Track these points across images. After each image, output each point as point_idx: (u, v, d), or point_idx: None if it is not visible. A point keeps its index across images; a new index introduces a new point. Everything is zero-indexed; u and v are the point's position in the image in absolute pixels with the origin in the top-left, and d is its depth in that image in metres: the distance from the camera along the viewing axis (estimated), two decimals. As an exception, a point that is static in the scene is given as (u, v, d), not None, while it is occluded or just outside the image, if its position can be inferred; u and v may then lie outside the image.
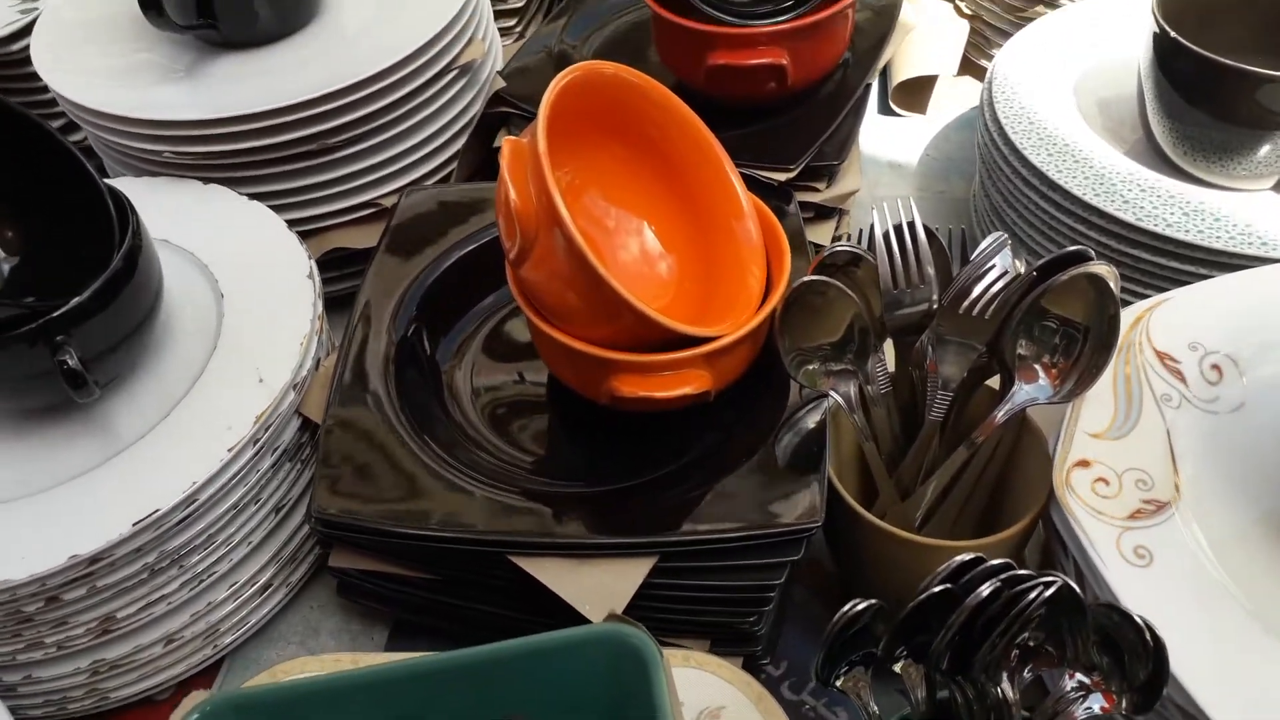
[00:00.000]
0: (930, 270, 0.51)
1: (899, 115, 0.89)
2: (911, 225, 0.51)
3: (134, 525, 0.46)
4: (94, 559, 0.46)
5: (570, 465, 0.52)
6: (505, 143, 0.45)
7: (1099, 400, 0.49)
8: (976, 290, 0.49)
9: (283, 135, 0.63)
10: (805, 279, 0.48)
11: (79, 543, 0.45)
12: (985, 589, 0.35)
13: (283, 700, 0.36)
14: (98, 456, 0.50)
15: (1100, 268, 0.47)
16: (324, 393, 0.53)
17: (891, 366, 0.53)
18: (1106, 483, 0.46)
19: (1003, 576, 0.36)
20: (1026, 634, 0.36)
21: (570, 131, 0.49)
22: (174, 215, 0.61)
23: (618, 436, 0.53)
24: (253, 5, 0.67)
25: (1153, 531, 0.44)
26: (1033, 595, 0.35)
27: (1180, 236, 0.58)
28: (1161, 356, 0.51)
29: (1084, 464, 0.46)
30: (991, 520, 0.53)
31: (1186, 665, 0.39)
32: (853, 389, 0.51)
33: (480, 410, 0.54)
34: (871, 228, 0.51)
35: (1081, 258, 0.48)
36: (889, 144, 0.86)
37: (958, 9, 0.91)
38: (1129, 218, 0.59)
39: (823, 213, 0.66)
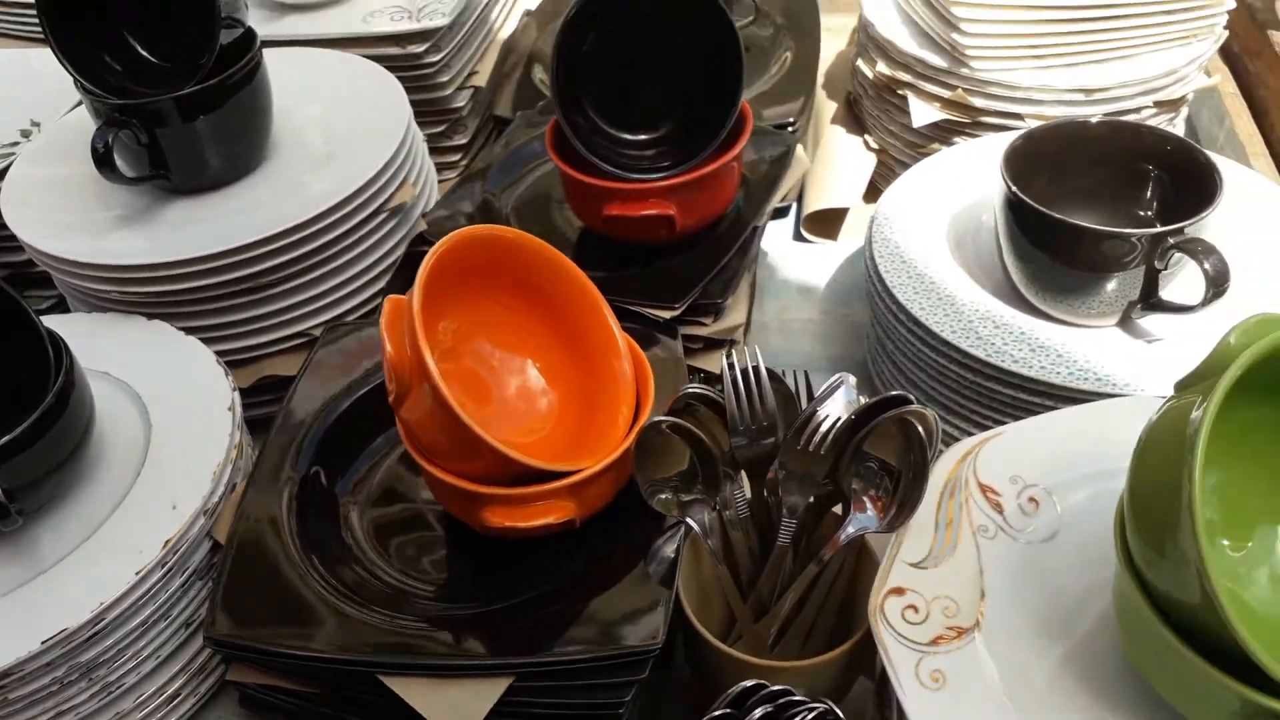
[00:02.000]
0: (773, 408, 0.56)
1: (811, 242, 0.95)
2: (757, 369, 0.56)
3: (43, 643, 0.51)
4: (4, 673, 0.51)
5: (450, 588, 0.57)
6: (386, 301, 0.52)
7: (920, 530, 0.54)
8: (813, 429, 0.55)
9: (221, 276, 0.70)
10: (649, 420, 0.53)
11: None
12: (757, 713, 0.40)
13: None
14: (21, 577, 0.55)
15: (914, 412, 0.52)
16: (232, 518, 0.59)
17: (749, 494, 0.58)
18: (916, 610, 0.50)
19: (778, 702, 0.41)
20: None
21: (457, 285, 0.55)
22: (116, 349, 0.68)
23: (497, 562, 0.58)
24: (203, 156, 0.74)
25: (951, 657, 0.48)
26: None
27: (1024, 371, 0.64)
28: (984, 489, 0.56)
29: (898, 591, 0.51)
30: (842, 640, 0.57)
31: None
32: (707, 516, 0.56)
33: (372, 539, 0.60)
34: (722, 371, 0.57)
35: (901, 402, 0.53)
36: (801, 269, 0.92)
37: (866, 144, 0.98)
38: (980, 353, 0.65)
39: (712, 344, 0.72)
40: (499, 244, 0.56)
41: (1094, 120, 0.70)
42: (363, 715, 0.55)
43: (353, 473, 0.63)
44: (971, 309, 0.68)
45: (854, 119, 1.02)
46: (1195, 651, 0.41)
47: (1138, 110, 0.87)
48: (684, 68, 0.70)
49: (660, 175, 0.69)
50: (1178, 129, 0.94)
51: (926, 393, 0.71)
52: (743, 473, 0.58)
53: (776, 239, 0.96)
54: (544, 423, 0.59)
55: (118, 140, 0.70)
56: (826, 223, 0.95)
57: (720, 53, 0.68)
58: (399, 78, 0.88)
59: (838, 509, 0.57)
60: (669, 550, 0.57)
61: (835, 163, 0.97)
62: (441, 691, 0.51)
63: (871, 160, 0.97)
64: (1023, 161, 0.67)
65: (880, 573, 0.52)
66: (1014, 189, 0.65)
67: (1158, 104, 0.87)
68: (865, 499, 0.55)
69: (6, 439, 0.54)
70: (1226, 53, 1.10)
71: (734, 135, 0.71)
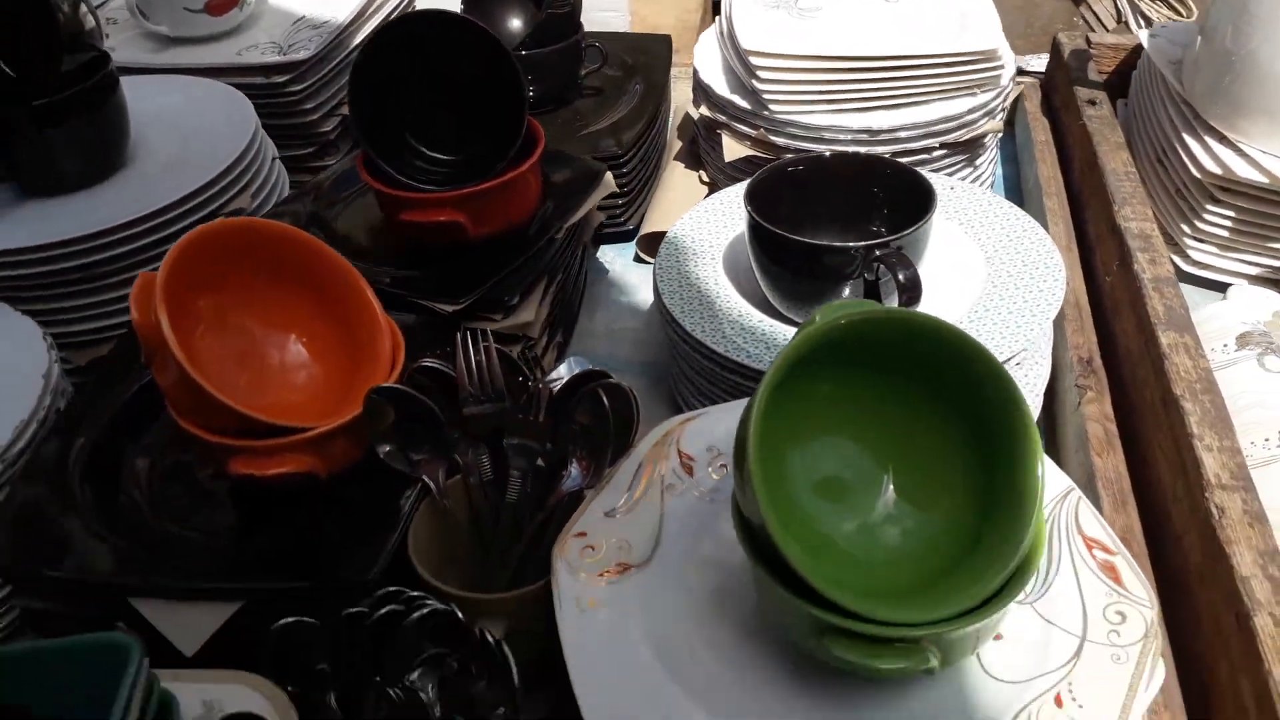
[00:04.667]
0: (499, 380, 0.64)
1: (646, 262, 1.03)
2: (488, 347, 0.64)
3: None
4: None
5: (200, 528, 0.64)
6: (139, 276, 0.60)
7: (618, 486, 0.61)
8: (530, 398, 0.63)
9: (61, 264, 0.78)
10: (373, 387, 0.61)
11: None
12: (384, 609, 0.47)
13: None
14: None
15: (608, 385, 0.60)
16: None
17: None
18: (594, 549, 0.58)
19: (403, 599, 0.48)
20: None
21: (221, 268, 0.63)
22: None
23: (248, 508, 0.65)
24: (51, 163, 0.83)
25: (611, 588, 0.56)
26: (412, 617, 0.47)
27: (753, 365, 0.72)
28: (682, 455, 0.63)
29: (582, 535, 0.58)
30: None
31: (588, 686, 0.50)
32: (441, 475, 0.63)
33: (144, 487, 0.67)
34: (454, 345, 0.64)
35: (600, 375, 0.61)
36: (633, 286, 1.01)
37: (700, 178, 1.08)
38: (720, 349, 0.73)
39: (503, 339, 0.79)
40: (259, 233, 0.65)
41: (828, 154, 0.79)
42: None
43: (143, 431, 0.70)
44: (725, 315, 0.76)
45: (694, 156, 1.11)
46: (776, 579, 0.48)
47: (927, 151, 0.96)
48: (474, 95, 0.79)
49: (451, 187, 0.78)
50: (984, 172, 1.04)
51: (697, 386, 0.78)
52: (484, 444, 0.65)
53: (617, 259, 1.05)
54: (305, 392, 0.67)
55: (-31, 142, 0.79)
56: (657, 245, 1.03)
57: (504, 83, 0.77)
58: (269, 105, 0.97)
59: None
60: (404, 504, 0.64)
61: (671, 193, 1.06)
62: (177, 611, 0.58)
63: (703, 191, 1.06)
64: (768, 191, 0.76)
65: (571, 520, 0.59)
66: (753, 214, 0.73)
67: (945, 145, 0.96)
68: (574, 460, 0.62)
69: None
70: (1047, 105, 1.20)
71: (525, 154, 0.79)
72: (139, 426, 0.70)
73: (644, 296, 1.00)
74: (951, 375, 0.49)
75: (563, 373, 0.64)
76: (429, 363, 0.63)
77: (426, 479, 0.63)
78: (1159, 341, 0.74)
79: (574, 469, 0.62)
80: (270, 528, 0.63)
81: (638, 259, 1.05)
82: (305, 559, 0.60)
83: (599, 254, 1.06)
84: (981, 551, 0.48)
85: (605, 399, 0.60)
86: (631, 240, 1.07)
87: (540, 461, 0.64)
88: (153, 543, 0.62)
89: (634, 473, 0.62)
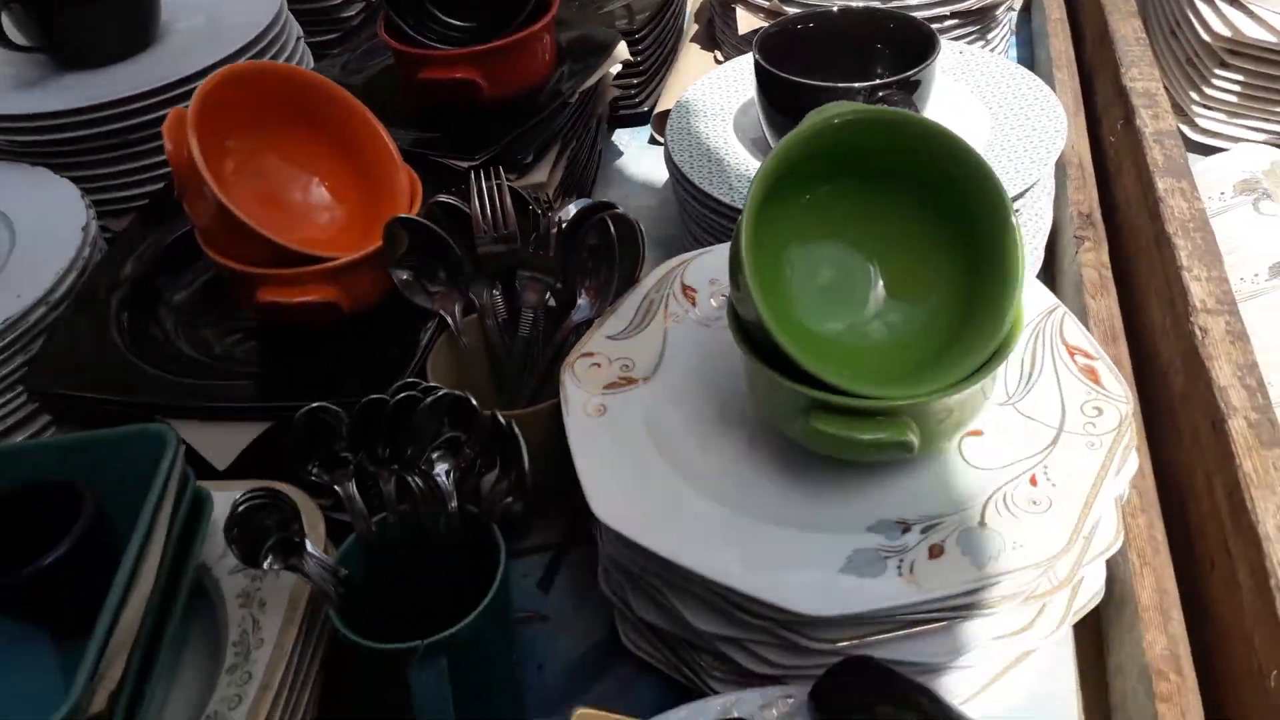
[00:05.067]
0: (513, 218, 0.67)
1: (660, 143, 1.06)
2: (501, 185, 0.67)
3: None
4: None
5: (231, 359, 0.69)
6: (171, 112, 0.63)
7: (623, 315, 0.64)
8: (542, 233, 0.66)
9: (92, 129, 0.82)
10: (393, 217, 0.64)
11: None
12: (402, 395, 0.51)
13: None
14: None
15: (615, 215, 0.63)
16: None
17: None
18: (599, 366, 0.61)
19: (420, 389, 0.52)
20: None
21: (246, 110, 0.67)
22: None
23: (275, 340, 0.69)
24: (89, 34, 0.86)
25: (616, 397, 0.59)
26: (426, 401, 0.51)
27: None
28: (685, 288, 0.66)
29: (589, 355, 0.62)
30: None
31: (594, 480, 0.54)
32: (458, 310, 0.67)
33: (181, 321, 0.72)
34: (468, 184, 0.67)
35: (607, 206, 0.64)
36: (647, 166, 1.03)
37: (715, 58, 1.09)
38: (725, 199, 0.76)
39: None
40: (283, 76, 0.68)
41: (835, 9, 0.81)
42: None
43: (181, 272, 0.75)
44: (733, 170, 0.79)
45: (710, 38, 1.13)
46: (768, 366, 0.51)
47: (939, 20, 0.97)
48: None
49: (467, 45, 0.80)
50: (996, 47, 1.04)
51: (703, 242, 0.81)
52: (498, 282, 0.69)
53: (632, 141, 1.07)
54: (328, 232, 0.70)
55: (10, 12, 0.82)
56: (670, 124, 1.05)
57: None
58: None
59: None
60: (422, 338, 0.68)
61: (686, 75, 1.08)
62: (209, 430, 0.62)
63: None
64: (777, 46, 0.78)
65: (580, 343, 0.63)
66: (760, 60, 0.75)
67: (955, 14, 0.97)
68: (584, 290, 0.66)
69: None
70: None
71: (538, 16, 0.82)
72: (175, 266, 0.74)
73: (659, 176, 1.03)
74: (938, 175, 0.52)
75: (571, 211, 0.67)
76: (445, 199, 0.67)
77: (443, 312, 0.66)
78: (1156, 187, 0.76)
79: (583, 299, 0.65)
80: (296, 356, 0.67)
81: (653, 140, 1.07)
82: (328, 383, 0.64)
83: (615, 137, 1.08)
84: (963, 340, 0.51)
85: (612, 228, 0.63)
86: (647, 123, 1.09)
87: (551, 298, 0.67)
88: (186, 370, 0.67)
89: (639, 303, 0.65)
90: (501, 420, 0.51)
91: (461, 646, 0.49)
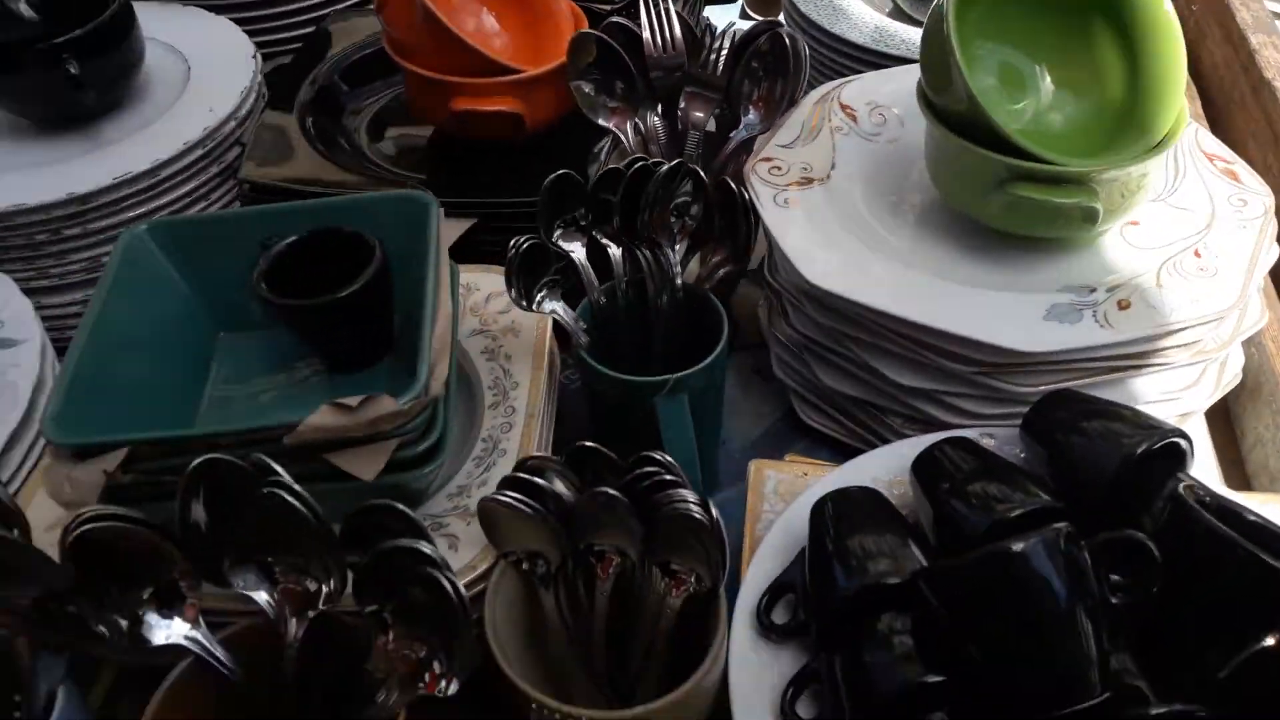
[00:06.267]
0: (680, 42, 0.72)
1: None
2: (668, 9, 0.72)
3: (113, 178, 0.67)
4: (83, 199, 0.66)
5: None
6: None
7: (791, 127, 0.70)
8: (711, 49, 0.71)
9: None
10: (576, 34, 0.69)
11: (74, 186, 0.67)
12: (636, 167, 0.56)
13: (193, 227, 0.57)
14: (90, 148, 0.71)
15: (778, 33, 0.68)
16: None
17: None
18: (780, 169, 0.67)
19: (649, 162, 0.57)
20: (675, 215, 0.58)
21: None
22: (159, 24, 0.83)
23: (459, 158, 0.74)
24: None
25: (801, 191, 0.65)
26: (663, 168, 0.56)
27: (873, 46, 0.81)
28: (844, 107, 0.72)
29: (767, 159, 0.67)
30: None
31: (801, 254, 0.59)
32: (629, 128, 0.72)
33: (364, 134, 0.76)
34: (637, 7, 0.72)
35: (775, 24, 0.69)
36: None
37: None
38: (859, 39, 0.81)
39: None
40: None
41: None
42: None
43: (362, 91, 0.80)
44: (864, 24, 0.84)
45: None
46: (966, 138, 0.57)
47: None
48: None
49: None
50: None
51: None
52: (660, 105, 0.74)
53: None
54: (500, 55, 0.75)
55: None
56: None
57: None
58: None
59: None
60: (600, 152, 0.73)
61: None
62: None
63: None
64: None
65: (755, 148, 0.68)
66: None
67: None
68: (751, 105, 0.71)
69: (79, 32, 0.69)
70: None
71: None
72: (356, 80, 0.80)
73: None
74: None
75: (741, 29, 0.71)
76: (618, 19, 0.71)
77: (615, 129, 0.71)
78: (1249, 41, 0.82)
79: (751, 114, 0.70)
80: (466, 170, 0.72)
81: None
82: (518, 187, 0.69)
83: None
84: (1135, 124, 0.57)
85: (786, 40, 0.68)
86: None
87: (711, 120, 0.72)
88: (375, 173, 0.72)
89: (803, 119, 0.71)
90: (731, 183, 0.56)
91: (695, 388, 0.55)
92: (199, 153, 0.71)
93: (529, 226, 0.60)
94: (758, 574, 0.50)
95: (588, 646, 0.49)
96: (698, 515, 0.43)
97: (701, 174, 0.57)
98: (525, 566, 0.47)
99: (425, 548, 0.39)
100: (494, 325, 0.61)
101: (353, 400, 0.43)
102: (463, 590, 0.38)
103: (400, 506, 0.40)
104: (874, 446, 0.61)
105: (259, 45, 0.84)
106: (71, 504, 0.43)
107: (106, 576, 0.40)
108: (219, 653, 0.42)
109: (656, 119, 0.73)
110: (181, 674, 0.42)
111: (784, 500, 0.56)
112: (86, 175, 0.67)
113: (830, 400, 0.64)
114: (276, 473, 0.41)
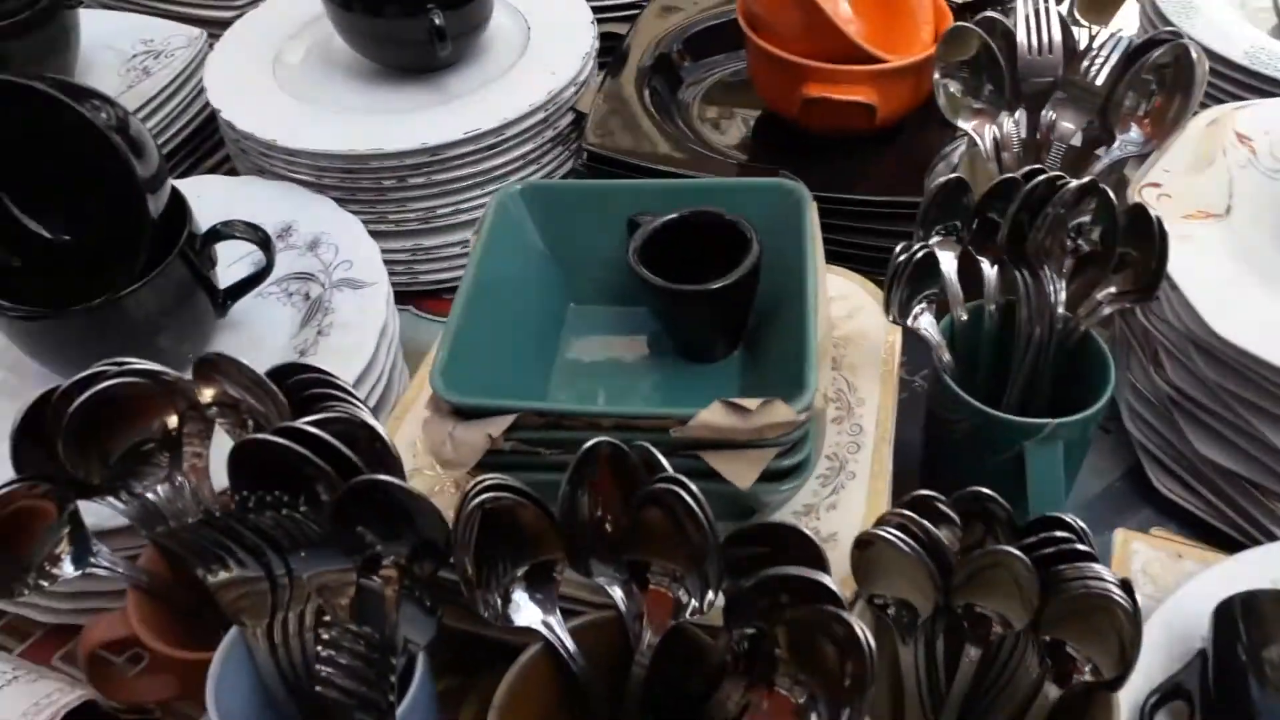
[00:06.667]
0: (1058, 43, 0.66)
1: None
2: (1049, 9, 0.66)
3: (465, 133, 0.67)
4: (434, 150, 0.67)
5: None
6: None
7: (1177, 153, 0.63)
8: (1094, 57, 0.64)
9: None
10: (953, 25, 0.64)
11: (426, 137, 0.67)
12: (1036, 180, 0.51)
13: (561, 193, 0.55)
14: (441, 100, 0.73)
15: (1180, 45, 0.61)
16: (592, 95, 0.74)
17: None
18: (1170, 197, 0.60)
19: (1050, 175, 0.52)
20: (1071, 237, 0.52)
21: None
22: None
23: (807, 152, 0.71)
24: None
25: (1194, 227, 0.58)
26: (1071, 184, 0.51)
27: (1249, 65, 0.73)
28: (1240, 136, 0.64)
29: (1154, 185, 0.61)
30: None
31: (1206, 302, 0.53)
32: (988, 134, 0.66)
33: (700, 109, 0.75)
34: (1014, 6, 0.66)
35: (1175, 35, 0.62)
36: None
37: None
38: (1236, 58, 0.73)
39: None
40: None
41: None
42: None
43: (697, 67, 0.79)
44: (1240, 36, 0.76)
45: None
46: None
47: None
48: None
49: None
50: None
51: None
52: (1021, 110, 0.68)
53: None
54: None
55: None
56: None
57: None
58: None
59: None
60: (952, 155, 0.68)
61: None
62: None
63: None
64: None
65: (1140, 172, 0.62)
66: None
67: None
68: (1135, 122, 0.64)
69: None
70: None
71: None
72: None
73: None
74: None
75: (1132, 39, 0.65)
76: (991, 14, 0.66)
77: (973, 132, 0.66)
78: None
79: (1133, 131, 0.64)
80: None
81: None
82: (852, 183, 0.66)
83: None
84: None
85: (1194, 54, 0.61)
86: None
87: (1083, 127, 0.66)
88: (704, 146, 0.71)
89: (1194, 144, 0.63)
90: (1150, 209, 0.50)
91: (1070, 440, 0.50)
92: (540, 115, 0.71)
93: (868, 227, 0.57)
94: (1138, 672, 0.44)
95: (936, 713, 0.45)
96: (1118, 598, 0.38)
97: (1112, 196, 0.52)
98: (891, 613, 0.43)
99: (828, 581, 0.35)
100: (836, 331, 0.58)
101: (751, 402, 0.40)
102: (870, 641, 0.34)
103: (803, 530, 0.37)
104: (1245, 531, 0.55)
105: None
106: (449, 463, 0.43)
107: (491, 548, 0.39)
108: (569, 643, 0.41)
109: (1013, 125, 0.68)
110: (531, 659, 0.41)
111: (1151, 581, 0.50)
112: (439, 127, 0.68)
113: (1195, 470, 0.57)
114: (664, 467, 0.38)
